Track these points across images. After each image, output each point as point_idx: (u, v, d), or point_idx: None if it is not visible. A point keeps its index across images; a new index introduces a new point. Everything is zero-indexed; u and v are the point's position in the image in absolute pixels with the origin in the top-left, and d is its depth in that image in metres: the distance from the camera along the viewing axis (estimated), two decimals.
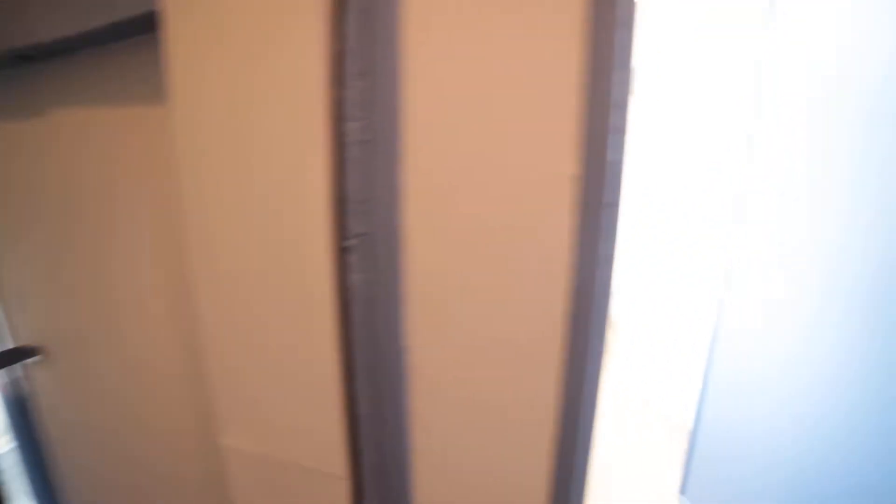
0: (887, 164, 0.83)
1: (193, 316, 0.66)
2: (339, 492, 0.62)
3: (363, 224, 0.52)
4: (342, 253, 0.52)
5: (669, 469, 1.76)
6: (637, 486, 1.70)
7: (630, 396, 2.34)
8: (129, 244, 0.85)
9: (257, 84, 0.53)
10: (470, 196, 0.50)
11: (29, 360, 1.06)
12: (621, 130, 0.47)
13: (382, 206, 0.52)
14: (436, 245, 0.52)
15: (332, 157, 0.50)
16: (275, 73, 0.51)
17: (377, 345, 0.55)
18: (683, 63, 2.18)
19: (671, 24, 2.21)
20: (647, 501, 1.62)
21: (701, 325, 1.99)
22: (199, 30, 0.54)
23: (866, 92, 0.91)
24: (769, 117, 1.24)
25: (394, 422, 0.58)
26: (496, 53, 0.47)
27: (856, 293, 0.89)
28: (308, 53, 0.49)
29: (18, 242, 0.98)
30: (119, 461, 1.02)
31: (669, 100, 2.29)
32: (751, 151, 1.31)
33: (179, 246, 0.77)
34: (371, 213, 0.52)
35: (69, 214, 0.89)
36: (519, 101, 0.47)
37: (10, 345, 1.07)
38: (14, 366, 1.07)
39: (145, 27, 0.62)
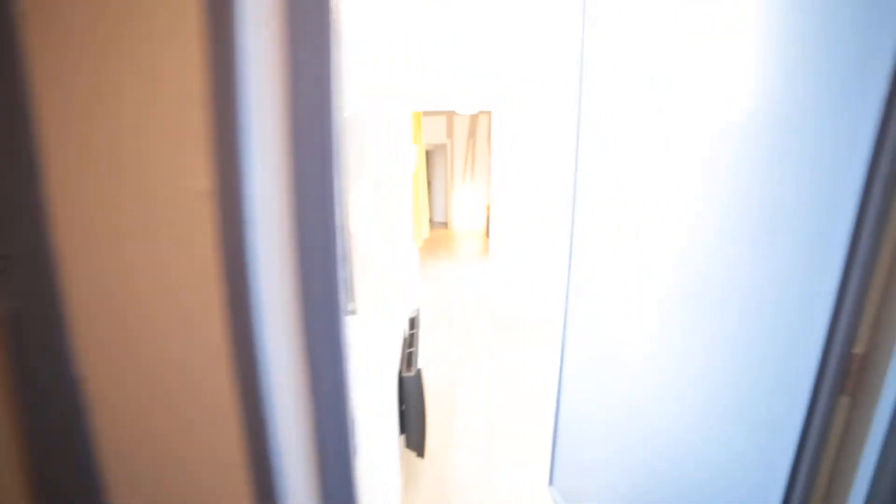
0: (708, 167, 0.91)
1: None
2: None
3: (2, 246, 0.48)
4: None
5: (537, 461, 1.82)
6: (507, 481, 1.73)
7: (493, 389, 2.41)
8: None
9: None
10: (116, 213, 0.48)
11: None
12: (252, 145, 0.47)
13: (25, 226, 0.48)
14: (91, 265, 0.49)
15: None
16: None
17: (44, 376, 0.51)
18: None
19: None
20: (518, 495, 1.66)
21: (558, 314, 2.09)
22: None
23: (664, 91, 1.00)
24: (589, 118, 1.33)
25: (82, 455, 0.54)
26: (119, 69, 0.45)
27: (692, 291, 0.96)
28: None
29: None
30: None
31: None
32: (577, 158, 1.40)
33: None
34: (10, 234, 0.48)
35: None
36: (146, 117, 0.46)
37: None
38: None
39: None
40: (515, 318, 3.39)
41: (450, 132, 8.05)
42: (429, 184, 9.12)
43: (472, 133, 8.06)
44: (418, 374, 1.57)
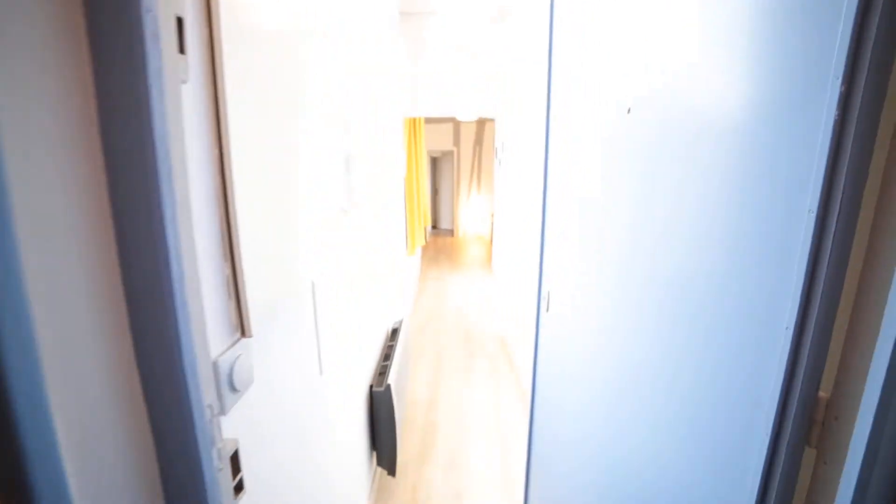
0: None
1: None
2: None
3: None
4: None
5: (515, 481, 1.74)
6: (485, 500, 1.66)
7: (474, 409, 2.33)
8: None
9: None
10: None
11: None
12: None
13: None
14: None
15: None
16: None
17: None
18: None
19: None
20: None
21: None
22: None
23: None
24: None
25: None
26: None
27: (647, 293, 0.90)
28: None
29: None
30: None
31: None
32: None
33: None
34: None
35: None
36: None
37: None
38: None
39: None
40: (506, 334, 3.31)
41: (456, 139, 8.03)
42: (435, 191, 9.09)
43: (478, 140, 8.03)
44: (388, 390, 1.51)
